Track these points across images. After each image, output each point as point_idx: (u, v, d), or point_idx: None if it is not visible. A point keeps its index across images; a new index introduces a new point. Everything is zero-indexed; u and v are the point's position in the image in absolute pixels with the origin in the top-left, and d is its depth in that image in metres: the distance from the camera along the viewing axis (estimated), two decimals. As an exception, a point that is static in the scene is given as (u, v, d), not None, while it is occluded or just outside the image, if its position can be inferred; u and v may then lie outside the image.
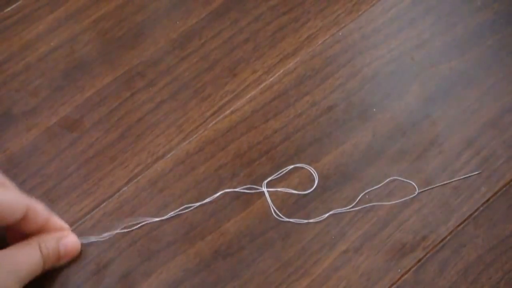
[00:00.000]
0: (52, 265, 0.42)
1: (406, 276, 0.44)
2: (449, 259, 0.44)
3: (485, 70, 0.52)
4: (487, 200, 0.46)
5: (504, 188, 0.47)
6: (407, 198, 0.46)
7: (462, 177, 0.47)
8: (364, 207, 0.46)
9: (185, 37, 0.54)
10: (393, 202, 0.46)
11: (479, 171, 0.47)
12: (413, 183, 0.47)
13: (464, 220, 0.46)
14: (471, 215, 0.46)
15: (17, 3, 0.55)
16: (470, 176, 0.46)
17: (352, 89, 0.51)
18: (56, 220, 0.43)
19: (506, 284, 0.43)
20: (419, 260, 0.44)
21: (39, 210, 0.41)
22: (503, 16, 0.54)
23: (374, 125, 0.50)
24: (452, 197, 0.47)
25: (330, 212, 0.46)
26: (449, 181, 0.46)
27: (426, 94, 0.51)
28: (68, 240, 0.43)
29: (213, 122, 0.50)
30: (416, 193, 0.46)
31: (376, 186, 0.46)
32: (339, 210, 0.46)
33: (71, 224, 0.45)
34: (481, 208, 0.46)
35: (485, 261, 0.44)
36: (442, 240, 0.45)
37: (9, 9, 0.55)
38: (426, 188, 0.47)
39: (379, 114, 0.50)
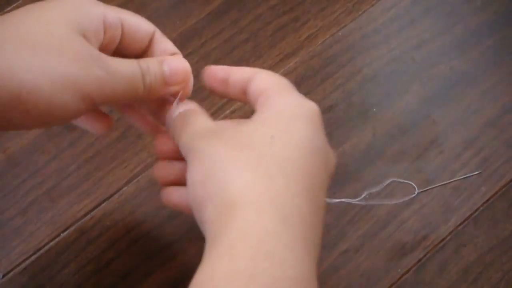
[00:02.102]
0: (156, 86, 0.35)
1: (406, 276, 0.44)
2: (449, 259, 0.44)
3: (485, 70, 0.52)
4: (487, 200, 0.47)
5: (504, 188, 0.47)
6: (406, 198, 0.46)
7: (461, 177, 0.47)
8: (364, 207, 0.46)
9: (185, 37, 0.54)
10: (393, 202, 0.46)
11: (479, 171, 0.47)
12: (413, 184, 0.47)
13: (464, 220, 0.46)
14: (471, 215, 0.46)
15: (18, 3, 0.55)
16: (470, 176, 0.46)
17: (352, 89, 0.51)
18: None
19: (506, 284, 0.43)
20: (419, 260, 0.44)
21: (167, 42, 0.37)
22: (503, 16, 0.55)
23: (374, 125, 0.50)
24: (452, 197, 0.47)
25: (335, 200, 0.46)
26: (449, 181, 0.46)
27: (426, 94, 0.51)
28: (173, 60, 0.36)
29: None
30: (416, 193, 0.46)
31: (376, 188, 0.46)
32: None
33: (71, 224, 0.45)
34: (481, 208, 0.46)
35: (485, 261, 0.44)
36: (442, 240, 0.45)
37: (9, 8, 0.55)
38: (426, 188, 0.47)
39: (379, 114, 0.50)
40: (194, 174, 0.31)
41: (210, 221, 0.29)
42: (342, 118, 0.50)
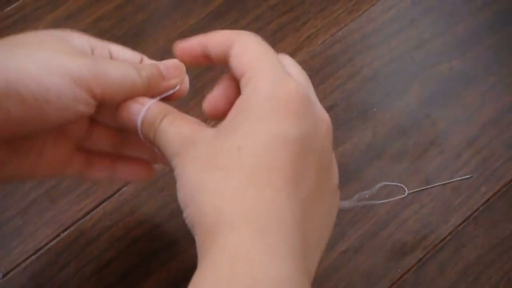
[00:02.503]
0: (154, 84, 0.35)
1: (406, 276, 0.44)
2: (449, 259, 0.44)
3: (485, 70, 0.52)
4: (487, 200, 0.47)
5: (504, 188, 0.47)
6: (395, 198, 0.46)
7: (455, 180, 0.46)
8: (364, 207, 0.46)
9: (185, 37, 0.54)
10: (382, 201, 0.46)
11: (471, 175, 0.47)
12: (403, 186, 0.47)
13: (464, 220, 0.46)
14: (471, 215, 0.46)
15: (17, 3, 0.55)
16: (461, 179, 0.46)
17: (352, 89, 0.51)
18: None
19: (506, 284, 0.43)
20: (419, 260, 0.44)
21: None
22: (503, 16, 0.55)
23: (374, 125, 0.50)
24: (452, 197, 0.47)
25: None
26: (442, 183, 0.46)
27: (426, 94, 0.51)
28: (165, 60, 0.37)
29: (214, 122, 0.50)
30: (406, 194, 0.46)
31: (367, 192, 0.46)
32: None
33: (71, 224, 0.45)
34: (481, 208, 0.46)
35: (485, 261, 0.44)
36: (442, 240, 0.45)
37: (9, 8, 0.55)
38: (416, 190, 0.47)
39: (379, 114, 0.50)
40: (181, 196, 0.31)
41: (198, 246, 0.30)
42: (342, 118, 0.50)
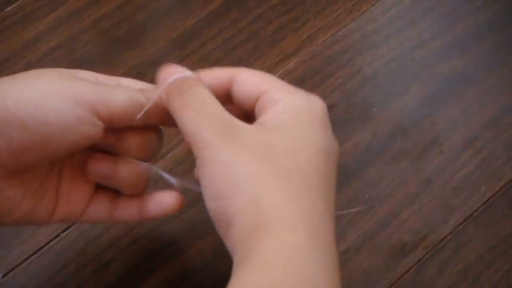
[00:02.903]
0: (159, 98, 0.33)
1: (406, 276, 0.44)
2: (449, 259, 0.44)
3: (485, 70, 0.52)
4: (487, 200, 0.46)
5: (504, 188, 0.47)
6: (356, 209, 0.46)
7: (348, 211, 0.45)
8: (363, 208, 0.46)
9: (185, 37, 0.54)
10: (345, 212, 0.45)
11: (361, 208, 0.46)
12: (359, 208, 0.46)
13: (464, 220, 0.46)
14: (471, 215, 0.46)
15: (17, 3, 0.55)
16: (350, 211, 0.45)
17: (352, 89, 0.51)
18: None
19: (506, 284, 0.43)
20: (419, 260, 0.44)
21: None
22: (503, 16, 0.55)
23: (374, 125, 0.50)
24: (452, 197, 0.47)
25: None
26: (338, 212, 0.44)
27: (426, 94, 0.51)
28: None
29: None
30: (365, 207, 0.46)
31: (344, 212, 0.46)
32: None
33: (71, 224, 0.45)
34: (481, 208, 0.46)
35: (485, 261, 0.44)
36: (442, 240, 0.45)
37: (9, 8, 0.55)
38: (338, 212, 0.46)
39: (379, 114, 0.50)
40: (218, 186, 0.29)
41: (239, 238, 0.29)
42: (342, 118, 0.50)
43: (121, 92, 0.32)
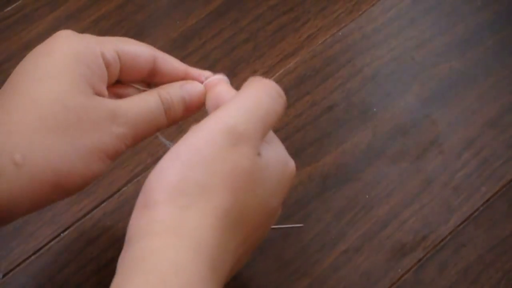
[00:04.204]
0: (179, 114, 0.36)
1: (406, 276, 0.44)
2: (449, 259, 0.44)
3: (485, 70, 0.52)
4: (487, 200, 0.46)
5: (504, 188, 0.47)
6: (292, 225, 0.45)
7: (283, 226, 0.45)
8: (365, 207, 0.46)
9: (185, 37, 0.54)
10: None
11: (301, 224, 0.45)
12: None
13: (464, 220, 0.46)
14: (471, 215, 0.46)
15: (17, 3, 0.55)
16: (291, 226, 0.45)
17: (352, 89, 0.51)
18: (196, 72, 0.38)
19: (506, 284, 0.43)
20: (419, 260, 0.44)
21: (173, 62, 0.38)
22: (503, 16, 0.55)
23: (374, 125, 0.50)
24: (452, 197, 0.47)
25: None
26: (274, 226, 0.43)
27: (426, 94, 0.51)
28: (190, 86, 0.37)
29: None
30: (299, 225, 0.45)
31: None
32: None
33: (71, 224, 0.45)
34: (481, 208, 0.46)
35: (485, 261, 0.44)
36: (442, 240, 0.45)
37: (9, 8, 0.55)
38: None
39: (379, 114, 0.50)
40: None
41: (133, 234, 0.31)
42: (342, 118, 0.50)
43: (142, 123, 0.35)
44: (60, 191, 0.32)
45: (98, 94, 0.34)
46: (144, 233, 0.29)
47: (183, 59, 0.52)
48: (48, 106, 0.32)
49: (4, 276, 0.43)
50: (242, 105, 0.32)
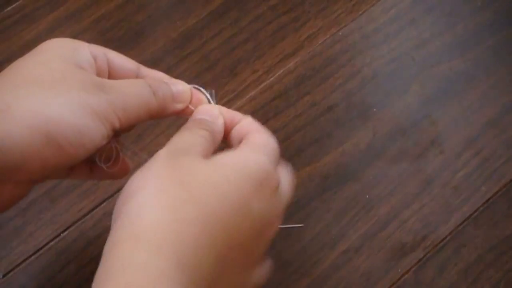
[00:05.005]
0: (166, 106, 0.36)
1: (406, 276, 0.44)
2: (449, 259, 0.44)
3: (485, 70, 0.52)
4: (487, 200, 0.47)
5: (504, 188, 0.47)
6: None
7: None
8: (365, 207, 0.46)
9: (185, 37, 0.54)
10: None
11: (301, 224, 0.46)
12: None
13: (464, 220, 0.46)
14: (471, 215, 0.46)
15: (17, 3, 0.55)
16: (292, 226, 0.45)
17: (352, 89, 0.51)
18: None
19: (506, 284, 0.43)
20: (419, 260, 0.44)
21: (155, 74, 0.38)
22: (503, 16, 0.55)
23: (374, 125, 0.50)
24: (452, 197, 0.47)
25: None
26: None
27: (426, 94, 0.51)
28: (175, 81, 0.38)
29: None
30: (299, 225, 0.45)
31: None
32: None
33: (71, 224, 0.45)
34: (481, 208, 0.46)
35: (485, 261, 0.44)
36: (442, 240, 0.45)
37: (9, 9, 0.55)
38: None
39: (379, 114, 0.50)
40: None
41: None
42: (342, 118, 0.50)
43: (133, 99, 0.34)
44: (54, 144, 0.31)
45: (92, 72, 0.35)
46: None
47: (183, 59, 0.53)
48: (32, 68, 0.33)
49: (4, 276, 0.44)
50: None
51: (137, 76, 0.38)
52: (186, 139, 0.34)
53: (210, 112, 0.37)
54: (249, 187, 0.31)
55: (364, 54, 0.53)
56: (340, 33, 0.54)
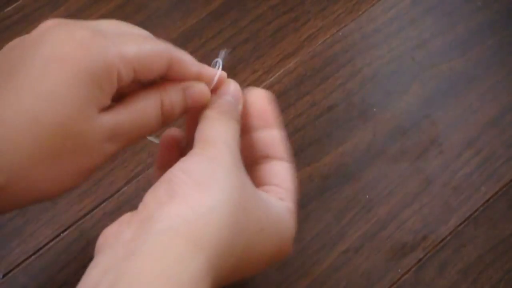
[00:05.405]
0: (175, 118, 0.35)
1: (406, 276, 0.44)
2: (449, 259, 0.44)
3: (485, 70, 0.52)
4: (487, 200, 0.46)
5: (504, 188, 0.47)
6: None
7: None
8: (365, 207, 0.46)
9: (185, 37, 0.54)
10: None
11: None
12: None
13: (464, 220, 0.46)
14: (471, 215, 0.46)
15: (17, 3, 0.55)
16: None
17: (352, 89, 0.51)
18: (210, 71, 0.37)
19: (506, 284, 0.43)
20: (419, 260, 0.44)
21: (188, 61, 0.36)
22: (503, 16, 0.54)
23: (374, 125, 0.50)
24: (452, 197, 0.47)
25: None
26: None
27: (426, 94, 0.51)
28: (196, 90, 0.35)
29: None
30: None
31: None
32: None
33: (71, 224, 0.45)
34: (481, 208, 0.46)
35: (485, 261, 0.44)
36: (442, 240, 0.45)
37: (9, 9, 0.55)
38: None
39: (379, 114, 0.50)
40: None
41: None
42: (342, 118, 0.50)
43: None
44: (36, 202, 0.32)
45: (102, 109, 0.31)
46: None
47: (183, 59, 0.53)
48: (48, 130, 0.29)
49: (4, 276, 0.44)
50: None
51: (166, 72, 0.35)
52: (226, 137, 0.33)
53: (235, 92, 0.36)
54: (275, 249, 0.34)
55: (364, 54, 0.53)
56: (340, 33, 0.54)
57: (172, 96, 0.34)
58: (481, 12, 0.55)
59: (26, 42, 0.33)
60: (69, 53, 0.30)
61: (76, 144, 0.30)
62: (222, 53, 0.38)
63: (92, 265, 0.28)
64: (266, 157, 0.37)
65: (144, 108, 0.33)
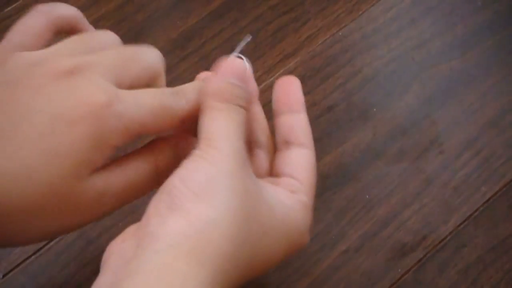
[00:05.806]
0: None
1: (406, 276, 0.44)
2: (449, 259, 0.44)
3: (485, 70, 0.52)
4: (487, 200, 0.47)
5: (504, 188, 0.47)
6: None
7: None
8: (365, 206, 0.46)
9: (185, 37, 0.54)
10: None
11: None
12: None
13: (464, 220, 0.46)
14: (471, 215, 0.46)
15: (17, 3, 0.55)
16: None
17: (352, 89, 0.51)
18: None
19: (506, 284, 0.43)
20: (419, 260, 0.44)
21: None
22: (503, 16, 0.54)
23: (374, 125, 0.50)
24: (452, 197, 0.47)
25: None
26: None
27: (426, 94, 0.51)
28: (186, 145, 0.34)
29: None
30: None
31: None
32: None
33: (71, 224, 0.45)
34: (481, 208, 0.46)
35: (485, 261, 0.44)
36: (442, 240, 0.45)
37: (9, 8, 0.55)
38: None
39: (380, 114, 0.50)
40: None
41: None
42: (342, 118, 0.50)
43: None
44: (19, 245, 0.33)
45: (95, 169, 0.30)
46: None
47: (183, 59, 0.53)
48: (37, 189, 0.29)
49: (4, 276, 0.44)
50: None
51: None
52: (228, 132, 0.31)
53: (239, 72, 0.32)
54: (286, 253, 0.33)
55: (364, 54, 0.53)
56: (340, 33, 0.54)
57: (166, 156, 0.34)
58: (480, 12, 0.55)
59: (32, 81, 0.30)
60: (81, 118, 0.29)
61: (62, 202, 0.30)
62: (246, 40, 0.35)
63: (94, 286, 0.28)
64: (286, 143, 0.35)
65: (138, 170, 0.33)
